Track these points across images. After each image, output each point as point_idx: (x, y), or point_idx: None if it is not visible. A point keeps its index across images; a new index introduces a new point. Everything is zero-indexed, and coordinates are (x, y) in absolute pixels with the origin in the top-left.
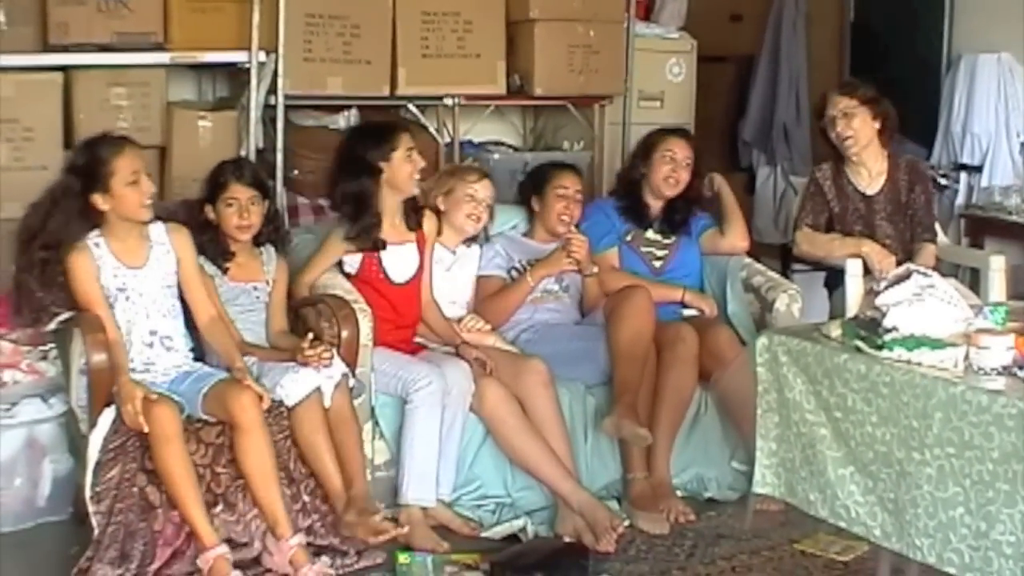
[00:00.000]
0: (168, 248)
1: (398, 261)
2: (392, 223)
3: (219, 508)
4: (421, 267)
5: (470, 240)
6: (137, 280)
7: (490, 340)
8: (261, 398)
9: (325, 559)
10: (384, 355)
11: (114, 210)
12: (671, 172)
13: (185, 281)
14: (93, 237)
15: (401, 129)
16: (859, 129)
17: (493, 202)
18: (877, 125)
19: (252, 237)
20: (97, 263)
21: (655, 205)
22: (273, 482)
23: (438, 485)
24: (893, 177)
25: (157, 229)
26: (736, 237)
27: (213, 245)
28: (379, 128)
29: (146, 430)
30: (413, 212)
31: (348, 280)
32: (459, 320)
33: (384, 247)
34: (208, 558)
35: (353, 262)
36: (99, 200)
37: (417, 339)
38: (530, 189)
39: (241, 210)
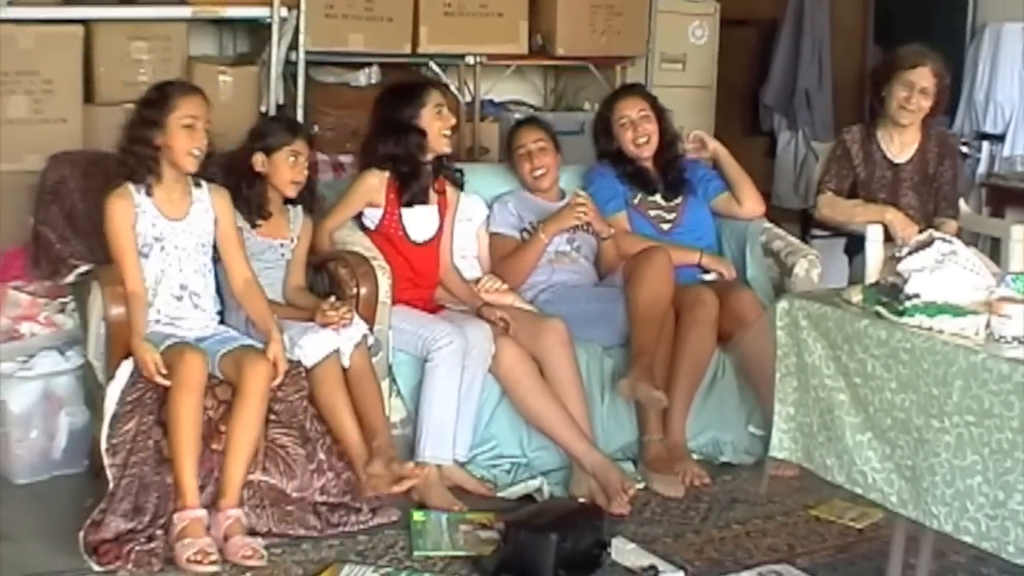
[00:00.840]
0: (208, 207)
1: (419, 220)
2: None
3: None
4: (441, 229)
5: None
6: (175, 232)
7: (508, 299)
8: (276, 370)
9: (259, 540)
10: (404, 313)
11: (164, 151)
12: (634, 134)
13: (223, 241)
14: (137, 184)
15: (430, 86)
16: (923, 108)
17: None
18: (931, 104)
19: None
20: (136, 210)
21: (648, 167)
22: (246, 454)
23: (456, 445)
24: (924, 147)
25: (201, 189)
26: (752, 203)
27: (255, 198)
28: (408, 87)
29: (165, 382)
30: (438, 173)
31: (367, 236)
32: (476, 281)
33: (424, 202)
34: (185, 516)
35: (374, 216)
36: (155, 136)
37: (437, 299)
38: (507, 155)
39: (301, 166)
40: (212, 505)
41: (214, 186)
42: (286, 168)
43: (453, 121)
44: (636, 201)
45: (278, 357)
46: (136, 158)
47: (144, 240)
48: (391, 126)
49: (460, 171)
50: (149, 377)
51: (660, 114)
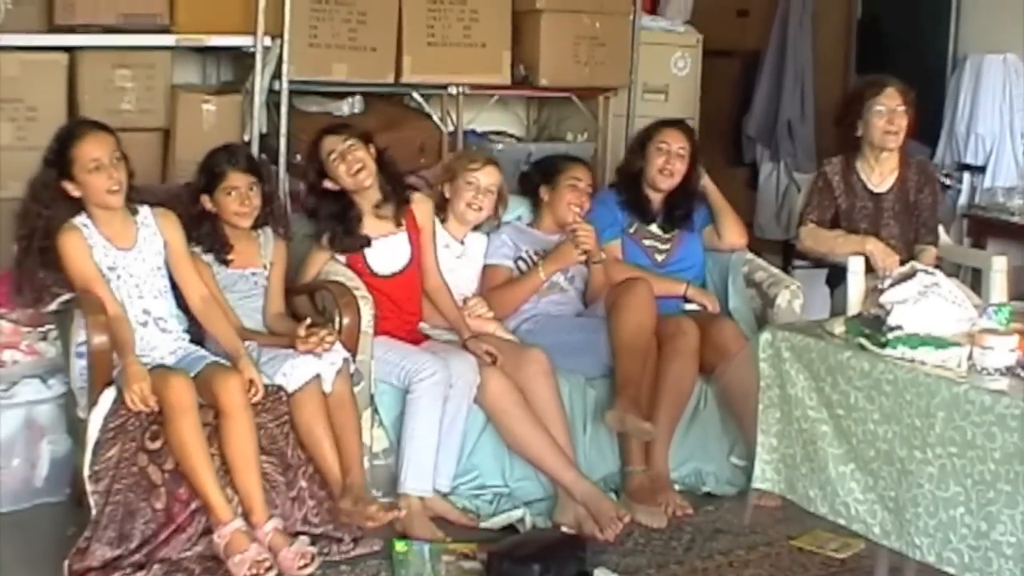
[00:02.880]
0: (155, 230)
1: (384, 253)
2: (373, 217)
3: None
4: (414, 257)
5: (479, 227)
6: (127, 260)
7: (491, 328)
8: (252, 385)
9: (304, 539)
10: (387, 344)
11: (85, 198)
12: (665, 163)
13: (174, 263)
14: (82, 219)
15: (325, 132)
16: (903, 129)
17: (502, 189)
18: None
19: (253, 224)
20: (88, 242)
21: (655, 198)
22: (253, 468)
23: (439, 476)
24: (903, 176)
25: (144, 212)
26: (732, 236)
27: (211, 236)
28: (317, 137)
29: (151, 407)
30: (395, 203)
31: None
32: (464, 301)
33: (367, 244)
34: (225, 533)
35: (342, 258)
36: (69, 187)
37: (423, 326)
38: (538, 179)
39: (242, 197)
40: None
41: (158, 209)
42: (228, 203)
43: (359, 164)
44: (632, 230)
45: (251, 375)
46: (60, 210)
47: (100, 269)
48: (309, 174)
49: (410, 186)
50: (132, 405)
51: (694, 161)
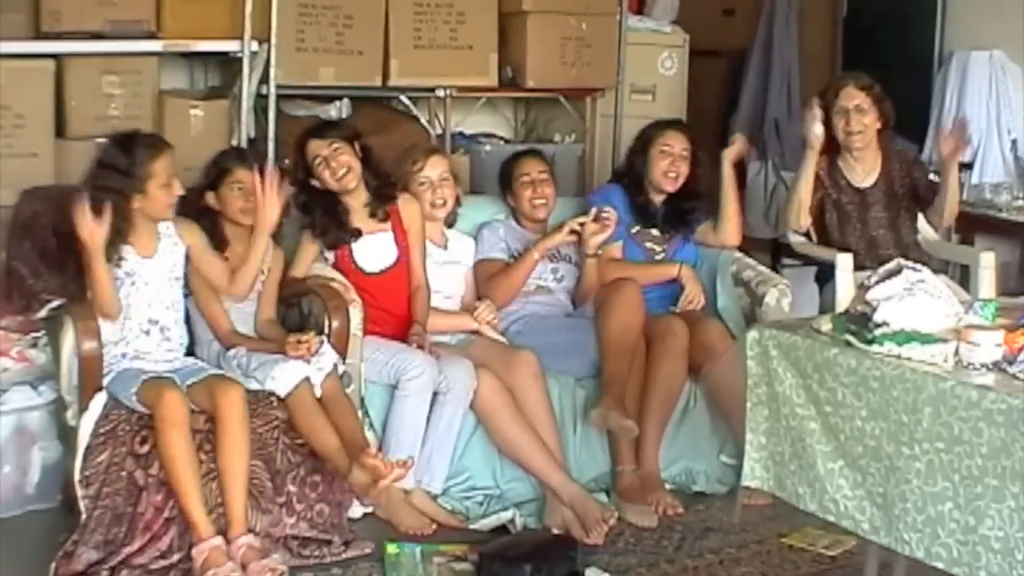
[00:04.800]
0: (176, 240)
1: (371, 250)
2: (362, 215)
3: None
4: (401, 256)
5: (452, 222)
6: (146, 269)
7: (492, 335)
8: (238, 384)
9: (275, 556)
10: (376, 343)
11: (142, 209)
12: (670, 166)
13: (198, 265)
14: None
15: (310, 135)
16: (869, 126)
17: (454, 171)
18: (879, 126)
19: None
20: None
21: (657, 200)
22: (241, 482)
23: (432, 478)
24: (887, 170)
25: (165, 223)
26: (727, 236)
27: (211, 232)
28: (301, 138)
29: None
30: (379, 201)
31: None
32: (474, 308)
33: (358, 236)
34: (203, 549)
35: (330, 255)
36: (135, 200)
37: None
38: (502, 184)
39: (247, 194)
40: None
41: (179, 219)
42: (233, 199)
43: (342, 166)
44: (634, 231)
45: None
46: (122, 222)
47: (116, 273)
48: (299, 169)
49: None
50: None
51: (696, 162)
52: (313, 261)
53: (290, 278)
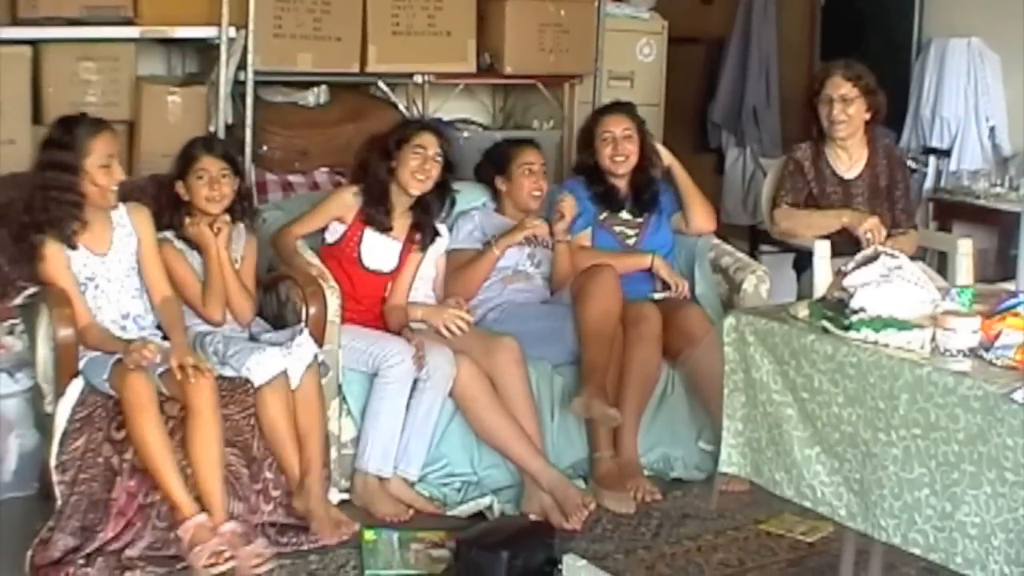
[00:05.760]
0: (130, 229)
1: (378, 248)
2: (396, 216)
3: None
4: (398, 269)
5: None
6: (104, 267)
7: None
8: (186, 368)
9: (261, 540)
10: (354, 331)
11: (83, 193)
12: (614, 151)
13: (143, 260)
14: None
15: (427, 128)
16: (854, 116)
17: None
18: (867, 116)
19: (223, 213)
20: (66, 253)
21: (620, 184)
22: (216, 470)
23: (408, 464)
24: (872, 163)
25: (120, 211)
26: (700, 221)
27: (183, 224)
28: (395, 129)
29: (155, 359)
30: (414, 216)
31: (317, 254)
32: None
33: (386, 231)
34: (188, 527)
35: (337, 230)
36: (73, 181)
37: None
38: (492, 169)
39: (212, 181)
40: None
41: (132, 204)
42: (199, 187)
43: (430, 172)
44: (602, 218)
45: (183, 361)
46: (60, 208)
47: (78, 280)
48: (382, 152)
49: (435, 230)
50: (136, 357)
51: (643, 137)
52: (328, 219)
53: (287, 233)
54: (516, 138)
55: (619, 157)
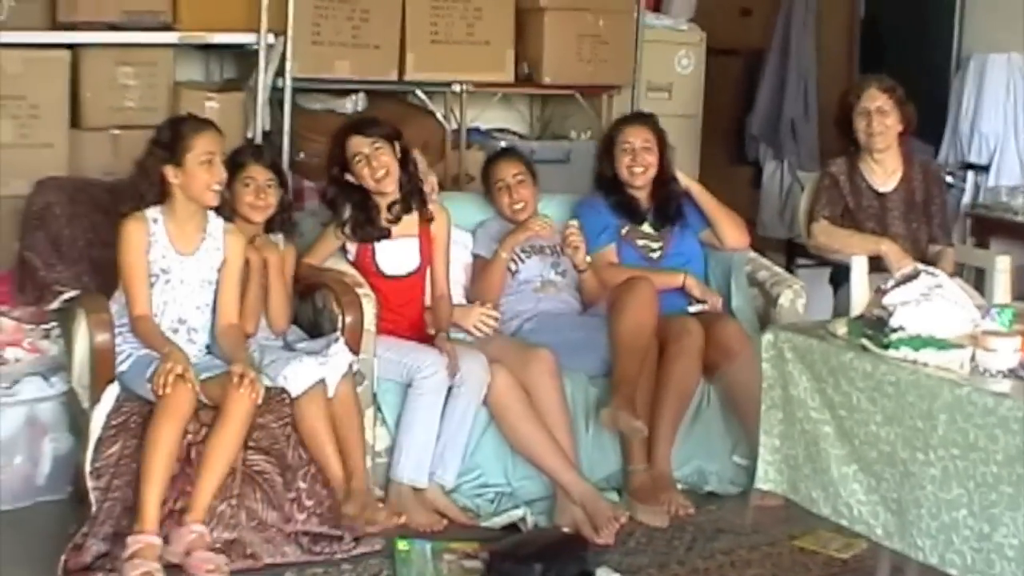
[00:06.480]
0: (219, 245)
1: (394, 254)
2: (391, 216)
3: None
4: (422, 264)
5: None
6: (182, 267)
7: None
8: (245, 380)
9: (222, 556)
10: (388, 342)
11: (182, 187)
12: (632, 161)
13: (222, 281)
14: (154, 212)
15: (352, 130)
16: (891, 128)
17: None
18: (900, 128)
19: (265, 223)
20: (150, 238)
21: (641, 197)
22: (219, 474)
23: (444, 472)
24: (908, 176)
25: (215, 224)
26: (732, 240)
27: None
28: (343, 133)
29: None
30: (409, 206)
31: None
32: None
33: (387, 235)
34: (140, 539)
35: (352, 250)
36: (170, 172)
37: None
38: (484, 186)
39: (258, 190)
40: (178, 521)
41: (231, 227)
42: (244, 194)
43: (382, 166)
44: (625, 232)
45: (244, 371)
46: (147, 191)
47: (151, 270)
48: (334, 160)
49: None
50: (158, 383)
51: (663, 148)
52: (329, 256)
53: (305, 266)
54: (494, 152)
55: (637, 168)
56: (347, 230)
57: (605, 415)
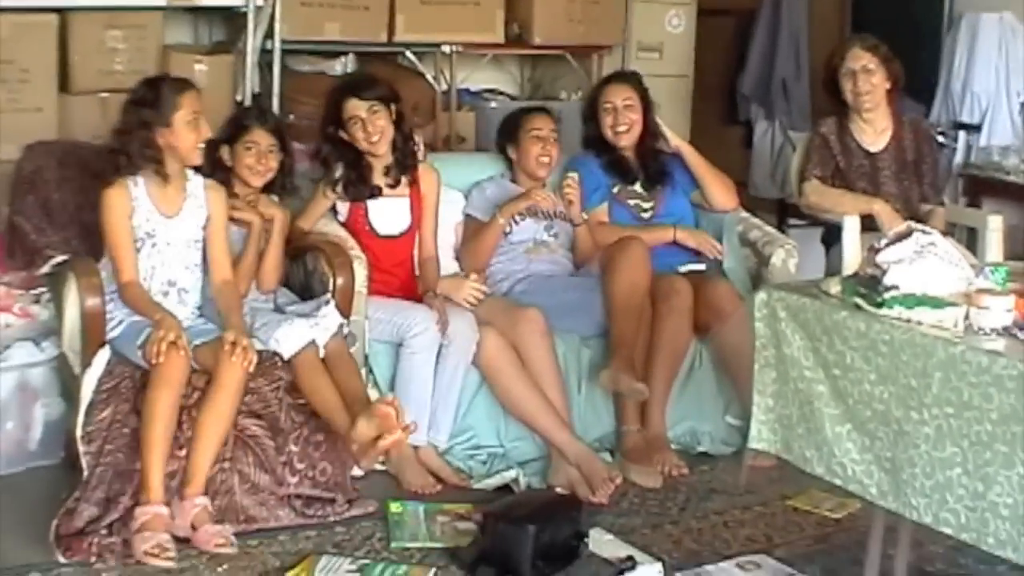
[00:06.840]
0: (201, 203)
1: (386, 214)
2: (384, 176)
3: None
4: (413, 224)
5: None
6: (167, 229)
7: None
8: (237, 347)
9: (227, 526)
10: (379, 303)
11: (169, 147)
12: (614, 121)
13: (209, 237)
14: (133, 178)
15: (350, 91)
16: (877, 86)
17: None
18: (888, 85)
19: (263, 187)
20: (132, 203)
21: (630, 156)
22: (215, 444)
23: (437, 432)
24: (898, 136)
25: (196, 183)
26: (720, 200)
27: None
28: (339, 93)
29: (158, 360)
30: (401, 166)
31: (343, 227)
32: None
33: (379, 193)
34: (148, 511)
35: (343, 210)
36: (158, 133)
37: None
38: (505, 138)
39: (259, 155)
40: (177, 492)
41: (210, 182)
42: (245, 157)
43: (378, 130)
44: (616, 191)
45: (237, 339)
46: (138, 153)
47: (136, 235)
48: (330, 115)
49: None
50: (151, 351)
51: (646, 106)
52: (321, 216)
53: (296, 229)
54: (528, 106)
55: (620, 127)
56: (338, 188)
57: (605, 377)
